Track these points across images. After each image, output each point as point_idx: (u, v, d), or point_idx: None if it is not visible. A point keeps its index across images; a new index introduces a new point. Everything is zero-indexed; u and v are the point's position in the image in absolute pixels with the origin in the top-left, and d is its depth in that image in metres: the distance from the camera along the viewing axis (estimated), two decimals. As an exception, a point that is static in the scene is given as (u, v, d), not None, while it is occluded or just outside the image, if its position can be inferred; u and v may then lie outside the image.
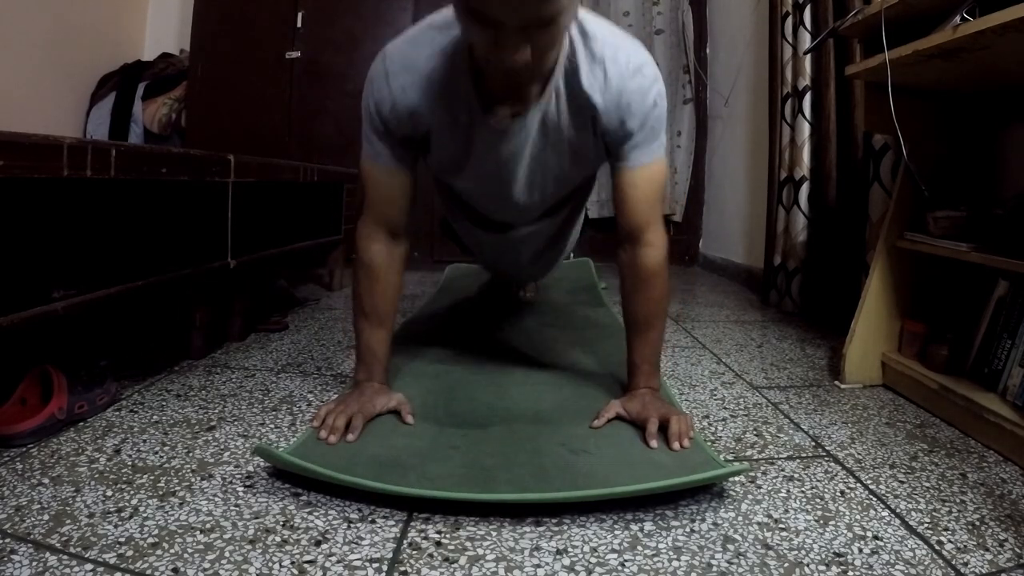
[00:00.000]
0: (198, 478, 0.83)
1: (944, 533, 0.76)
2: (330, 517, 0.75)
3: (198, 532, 0.71)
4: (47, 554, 0.65)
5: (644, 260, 0.99)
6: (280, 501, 0.78)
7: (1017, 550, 0.73)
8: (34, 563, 0.63)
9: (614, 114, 0.91)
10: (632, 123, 0.92)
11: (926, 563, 0.69)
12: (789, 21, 2.07)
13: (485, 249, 1.41)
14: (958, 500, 0.84)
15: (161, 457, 0.88)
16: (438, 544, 0.70)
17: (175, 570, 0.64)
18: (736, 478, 0.87)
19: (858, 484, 0.88)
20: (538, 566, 0.67)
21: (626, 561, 0.68)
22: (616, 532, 0.74)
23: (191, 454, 0.90)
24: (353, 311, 1.04)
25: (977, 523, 0.78)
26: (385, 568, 0.66)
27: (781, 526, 0.76)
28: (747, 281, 2.60)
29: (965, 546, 0.73)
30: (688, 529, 0.75)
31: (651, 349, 1.03)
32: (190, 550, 0.67)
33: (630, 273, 1.01)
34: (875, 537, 0.74)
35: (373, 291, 1.01)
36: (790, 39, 2.07)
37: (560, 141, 0.96)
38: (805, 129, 1.98)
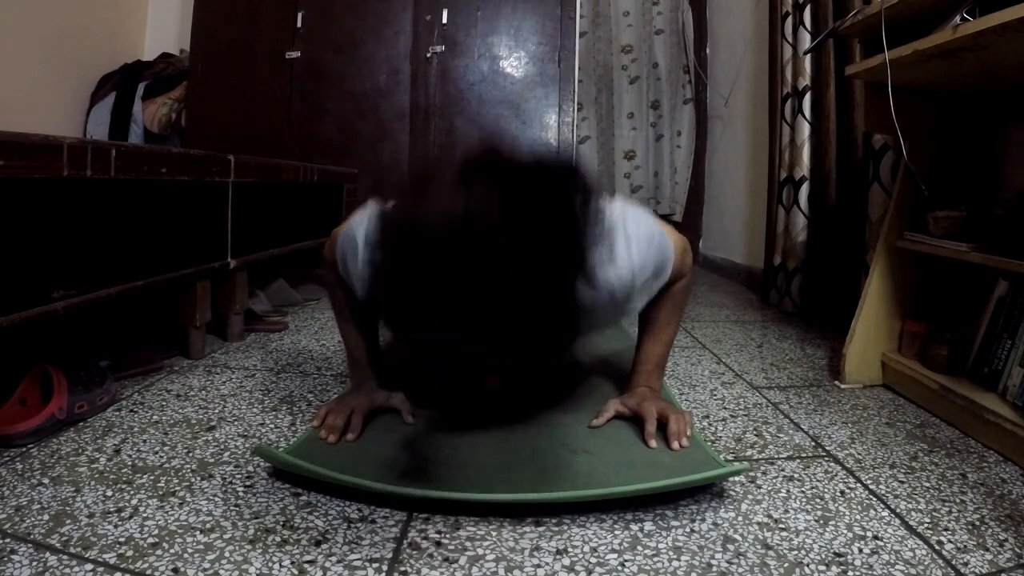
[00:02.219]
0: (198, 478, 0.83)
1: (944, 533, 0.76)
2: (330, 517, 0.75)
3: (198, 532, 0.70)
4: (47, 554, 0.65)
5: (677, 284, 1.00)
6: (280, 501, 0.78)
7: (1017, 550, 0.73)
8: (34, 563, 0.63)
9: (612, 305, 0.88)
10: (636, 300, 0.91)
11: (926, 563, 0.69)
12: (789, 21, 2.07)
13: None
14: (958, 500, 0.84)
15: (161, 457, 0.88)
16: (438, 544, 0.70)
17: (175, 570, 0.64)
18: (736, 478, 0.87)
19: (858, 484, 0.88)
20: (538, 566, 0.67)
21: (626, 561, 0.68)
22: (616, 532, 0.74)
23: (191, 454, 0.90)
24: (335, 317, 1.04)
25: (977, 523, 0.78)
26: (385, 568, 0.66)
27: (781, 526, 0.76)
28: (747, 281, 2.60)
29: (965, 546, 0.73)
30: (688, 529, 0.75)
31: (659, 349, 1.03)
32: (190, 550, 0.67)
33: (661, 290, 1.01)
34: (875, 537, 0.74)
35: (348, 296, 1.00)
36: (790, 39, 2.07)
37: None
38: (805, 129, 1.98)
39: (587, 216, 0.62)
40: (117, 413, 1.03)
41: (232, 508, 0.76)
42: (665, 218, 3.18)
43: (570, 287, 0.61)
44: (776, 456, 0.97)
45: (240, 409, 1.08)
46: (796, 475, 0.90)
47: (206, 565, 0.65)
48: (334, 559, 0.67)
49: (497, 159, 0.62)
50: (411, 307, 0.59)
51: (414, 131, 2.67)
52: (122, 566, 0.64)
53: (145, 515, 0.73)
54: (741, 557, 0.69)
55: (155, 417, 1.02)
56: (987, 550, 0.72)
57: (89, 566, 0.63)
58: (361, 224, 0.84)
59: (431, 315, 0.58)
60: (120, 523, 0.71)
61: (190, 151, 1.29)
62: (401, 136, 2.67)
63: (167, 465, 0.86)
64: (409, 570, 0.66)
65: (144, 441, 0.93)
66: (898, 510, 0.81)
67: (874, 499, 0.84)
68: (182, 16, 2.99)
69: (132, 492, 0.78)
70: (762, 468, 0.92)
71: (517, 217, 0.57)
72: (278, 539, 0.70)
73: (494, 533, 0.72)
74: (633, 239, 0.84)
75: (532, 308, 0.58)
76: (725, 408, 1.17)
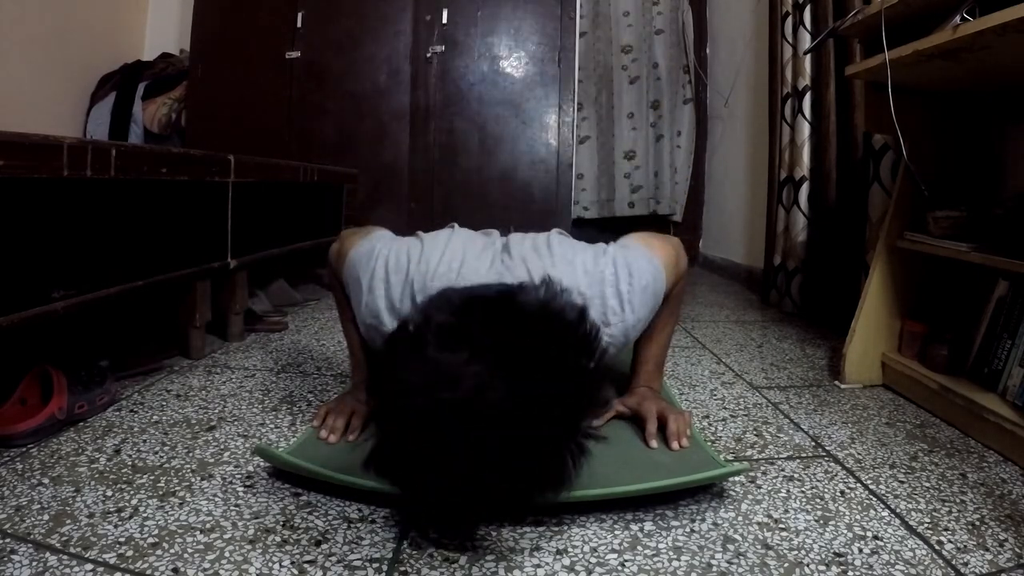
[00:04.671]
0: (198, 478, 0.83)
1: (944, 533, 0.76)
2: (330, 517, 0.75)
3: (198, 532, 0.70)
4: (47, 554, 0.65)
5: (671, 292, 1.00)
6: (280, 501, 0.78)
7: (1017, 550, 0.73)
8: (34, 563, 0.63)
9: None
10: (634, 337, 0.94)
11: (926, 563, 0.69)
12: (789, 21, 2.07)
13: None
14: (958, 500, 0.84)
15: (161, 457, 0.88)
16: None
17: (175, 570, 0.64)
18: (736, 478, 0.87)
19: (858, 484, 0.88)
20: (538, 566, 0.67)
21: (626, 561, 0.68)
22: (616, 532, 0.74)
23: (191, 454, 0.90)
24: (339, 316, 1.04)
25: (977, 523, 0.78)
26: (385, 568, 0.66)
27: (781, 526, 0.76)
28: (747, 281, 2.60)
29: (965, 546, 0.73)
30: (688, 529, 0.75)
31: (658, 350, 1.03)
32: (190, 550, 0.67)
33: None
34: (875, 537, 0.74)
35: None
36: (790, 39, 2.07)
37: None
38: (805, 129, 1.98)
39: (589, 356, 0.66)
40: (117, 413, 1.03)
41: (232, 508, 0.76)
42: (665, 218, 3.18)
43: (578, 426, 0.65)
44: (776, 456, 0.97)
45: (240, 409, 1.08)
46: (796, 475, 0.90)
47: (206, 565, 0.65)
48: (334, 559, 0.67)
49: (497, 326, 0.64)
50: (417, 474, 0.64)
51: (414, 131, 2.67)
52: (122, 566, 0.64)
53: (145, 515, 0.73)
54: (741, 557, 0.69)
55: (155, 417, 1.02)
56: (987, 550, 0.72)
57: (89, 566, 0.63)
58: (378, 284, 0.87)
59: (438, 480, 0.62)
60: (120, 523, 0.71)
61: (190, 151, 1.29)
62: (401, 136, 2.67)
63: (167, 465, 0.86)
64: (409, 570, 0.66)
65: (144, 441, 0.93)
66: (898, 510, 0.81)
67: (874, 499, 0.84)
68: (182, 16, 2.99)
69: (132, 492, 0.78)
70: (762, 468, 0.92)
71: (521, 396, 0.60)
72: (278, 539, 0.70)
73: (494, 533, 0.72)
74: (626, 298, 0.86)
75: (540, 459, 0.62)
76: (725, 408, 1.17)
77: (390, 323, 0.84)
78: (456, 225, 0.99)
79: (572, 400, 0.63)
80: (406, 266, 0.86)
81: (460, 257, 0.86)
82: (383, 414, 0.66)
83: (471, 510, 0.66)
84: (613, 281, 0.86)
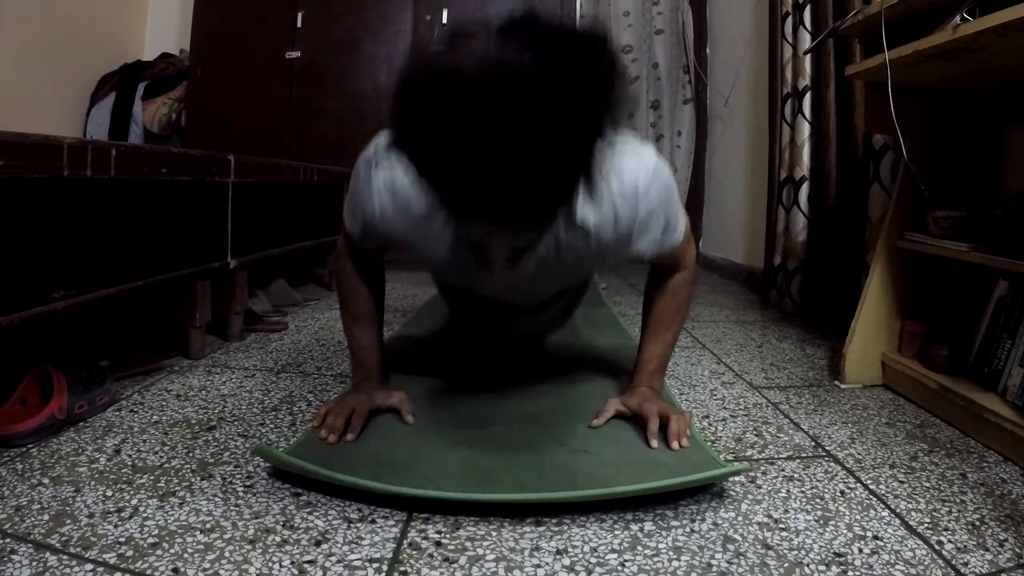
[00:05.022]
0: (198, 478, 0.83)
1: (944, 533, 0.76)
2: (330, 517, 0.75)
3: (198, 532, 0.70)
4: (47, 554, 0.65)
5: (677, 278, 1.01)
6: (280, 501, 0.78)
7: (1017, 550, 0.73)
8: (34, 563, 0.63)
9: (614, 239, 0.85)
10: (639, 243, 0.87)
11: (926, 563, 0.69)
12: (789, 21, 2.07)
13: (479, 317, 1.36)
14: (958, 500, 0.84)
15: (161, 457, 0.88)
16: (438, 544, 0.70)
17: (175, 570, 0.64)
18: (736, 478, 0.87)
19: (858, 484, 0.88)
20: (538, 566, 0.67)
21: (626, 561, 0.68)
22: (616, 532, 0.74)
23: (191, 454, 0.90)
24: (341, 315, 1.04)
25: (977, 523, 0.78)
26: (385, 568, 0.66)
27: (781, 526, 0.76)
28: (747, 281, 2.60)
29: (965, 546, 0.73)
30: (688, 529, 0.75)
31: (661, 350, 1.03)
32: (190, 550, 0.67)
33: (659, 283, 1.02)
34: (875, 537, 0.74)
35: (357, 293, 1.01)
36: (790, 39, 2.07)
37: (558, 261, 0.89)
38: (805, 129, 1.98)
39: (613, 81, 0.61)
40: (117, 413, 1.03)
41: (232, 508, 0.76)
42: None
43: (595, 134, 0.60)
44: (776, 456, 0.97)
45: (240, 409, 1.08)
46: (796, 475, 0.90)
47: (206, 565, 0.65)
48: (334, 559, 0.67)
49: (531, 21, 0.60)
50: (439, 144, 0.58)
51: (414, 131, 2.67)
52: (122, 566, 0.64)
53: (145, 515, 0.73)
54: (741, 557, 0.69)
55: (155, 417, 1.02)
56: (987, 550, 0.72)
57: (89, 566, 0.63)
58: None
59: (459, 152, 0.56)
60: (120, 523, 0.71)
61: (190, 151, 1.29)
62: (401, 136, 2.67)
63: (167, 465, 0.86)
64: (409, 570, 0.66)
65: (144, 441, 0.93)
66: (898, 510, 0.81)
67: (874, 499, 0.84)
68: (182, 16, 2.99)
69: (132, 492, 0.78)
70: (762, 468, 0.92)
71: (551, 68, 0.55)
72: (278, 539, 0.70)
73: (494, 533, 0.72)
74: (643, 163, 0.82)
75: (563, 143, 0.57)
76: (725, 408, 1.17)
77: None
78: None
79: (599, 86, 0.59)
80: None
81: None
82: (406, 94, 0.61)
83: (504, 190, 0.58)
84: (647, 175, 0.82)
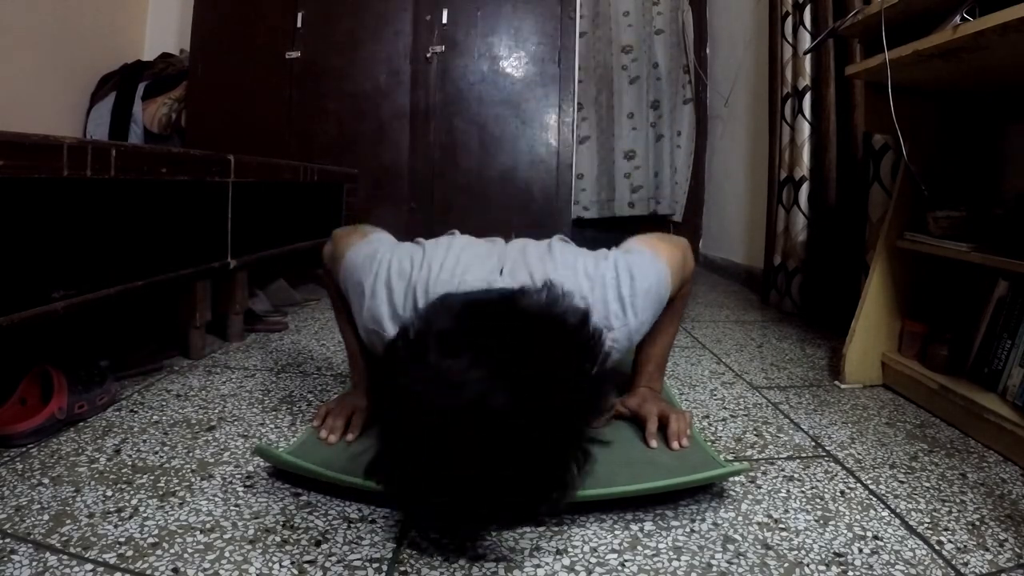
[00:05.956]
0: (198, 478, 0.83)
1: (944, 533, 0.76)
2: (330, 517, 0.75)
3: (198, 532, 0.70)
4: (47, 554, 0.65)
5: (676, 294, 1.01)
6: (280, 501, 0.78)
7: (1017, 550, 0.73)
8: (34, 563, 0.63)
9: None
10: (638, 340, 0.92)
11: (926, 563, 0.69)
12: (789, 21, 2.07)
13: None
14: (958, 500, 0.84)
15: (161, 457, 0.88)
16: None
17: (175, 570, 0.64)
18: (736, 478, 0.87)
19: (858, 484, 0.88)
20: (538, 566, 0.67)
21: (626, 561, 0.68)
22: (616, 532, 0.74)
23: (191, 454, 0.90)
24: (336, 317, 1.05)
25: (977, 523, 0.78)
26: (385, 568, 0.66)
27: (781, 526, 0.76)
28: (747, 281, 2.60)
29: (965, 546, 0.73)
30: (688, 529, 0.75)
31: (659, 351, 1.03)
32: (190, 550, 0.67)
33: None
34: (875, 537, 0.74)
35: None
36: (790, 39, 2.07)
37: None
38: (805, 129, 1.98)
39: (592, 361, 0.65)
40: (117, 413, 1.03)
41: (232, 508, 0.76)
42: (665, 218, 3.18)
43: (582, 428, 0.64)
44: (776, 456, 0.97)
45: (240, 409, 1.08)
46: (796, 475, 0.90)
47: (206, 565, 0.65)
48: (334, 559, 0.67)
49: (497, 329, 0.64)
50: (420, 480, 0.62)
51: (414, 131, 2.67)
52: (122, 566, 0.64)
53: (145, 515, 0.73)
54: (741, 557, 0.69)
55: (155, 417, 1.02)
56: (987, 550, 0.72)
57: (89, 566, 0.63)
58: (380, 289, 0.86)
59: (440, 485, 0.61)
60: (120, 523, 0.71)
61: (190, 151, 1.29)
62: (401, 136, 2.67)
63: (167, 465, 0.86)
64: (409, 570, 0.66)
65: (144, 441, 0.93)
66: (898, 510, 0.81)
67: (874, 499, 0.84)
68: (182, 16, 2.99)
69: (132, 492, 0.78)
70: (762, 468, 0.92)
71: (525, 398, 0.59)
72: (278, 539, 0.70)
73: (494, 533, 0.72)
74: (628, 301, 0.85)
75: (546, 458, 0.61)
76: (725, 408, 1.17)
77: (392, 329, 0.83)
78: (457, 232, 0.99)
79: (575, 406, 0.63)
80: (409, 271, 0.85)
81: (462, 262, 0.86)
82: (385, 422, 0.65)
83: (473, 518, 0.65)
84: (615, 284, 0.85)
